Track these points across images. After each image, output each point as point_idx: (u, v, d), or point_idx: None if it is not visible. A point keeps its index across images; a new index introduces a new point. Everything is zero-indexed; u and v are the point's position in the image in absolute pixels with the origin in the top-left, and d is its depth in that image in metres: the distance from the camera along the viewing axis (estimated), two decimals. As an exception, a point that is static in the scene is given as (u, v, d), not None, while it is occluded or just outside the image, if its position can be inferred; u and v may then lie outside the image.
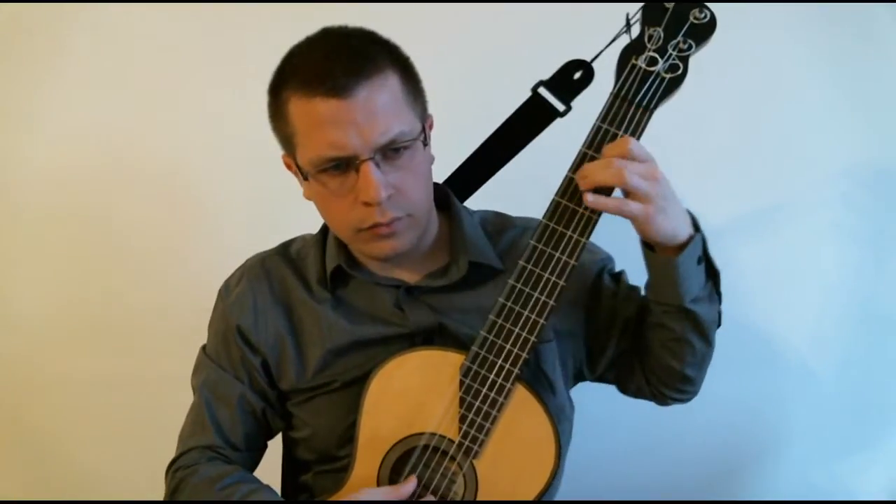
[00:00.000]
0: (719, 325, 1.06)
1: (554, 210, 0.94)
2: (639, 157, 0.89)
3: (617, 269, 1.16)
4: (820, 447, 1.58)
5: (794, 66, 1.48)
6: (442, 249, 1.10)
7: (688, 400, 1.15)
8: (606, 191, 0.91)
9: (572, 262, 0.94)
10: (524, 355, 0.95)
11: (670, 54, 0.93)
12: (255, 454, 1.14)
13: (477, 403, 0.96)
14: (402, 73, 0.98)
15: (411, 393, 0.99)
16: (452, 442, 0.98)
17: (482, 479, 0.98)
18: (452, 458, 0.99)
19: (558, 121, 1.10)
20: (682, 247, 0.94)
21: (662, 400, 1.14)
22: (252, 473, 1.11)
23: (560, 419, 1.03)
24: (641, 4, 0.95)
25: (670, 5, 0.93)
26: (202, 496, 1.03)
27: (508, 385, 0.96)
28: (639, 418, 1.46)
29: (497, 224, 1.14)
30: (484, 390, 0.96)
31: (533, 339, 0.95)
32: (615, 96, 0.93)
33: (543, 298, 0.94)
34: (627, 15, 0.95)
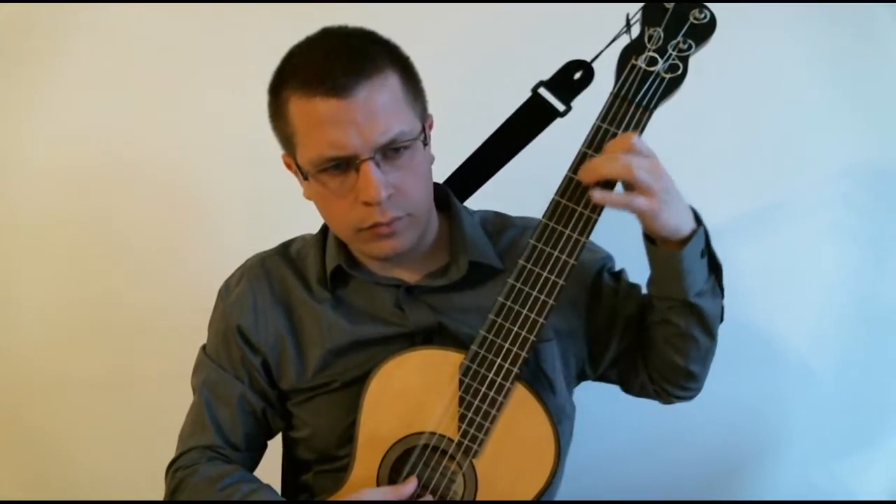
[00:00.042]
0: (722, 319, 1.06)
1: (554, 209, 0.94)
2: (643, 151, 0.89)
3: (617, 268, 1.16)
4: (820, 447, 1.58)
5: (794, 66, 1.48)
6: (442, 249, 1.10)
7: (691, 398, 1.15)
8: (608, 187, 0.91)
9: (572, 261, 0.94)
10: (524, 354, 0.95)
11: (670, 54, 0.93)
12: (255, 454, 1.15)
13: (476, 402, 0.96)
14: (402, 73, 0.98)
15: (411, 392, 0.99)
16: (452, 441, 0.98)
17: (482, 478, 0.98)
18: (452, 458, 0.99)
19: (558, 121, 1.10)
20: (685, 241, 0.94)
21: (666, 398, 1.14)
22: (252, 473, 1.11)
23: (560, 419, 1.03)
24: (641, 5, 0.95)
25: (670, 5, 0.93)
26: (202, 496, 1.04)
27: (508, 384, 0.96)
28: (639, 418, 1.46)
29: (497, 224, 1.14)
30: (483, 389, 0.96)
31: (532, 338, 0.95)
32: (615, 96, 0.93)
33: (543, 298, 0.94)
34: (627, 15, 0.96)
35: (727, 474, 1.61)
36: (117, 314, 1.62)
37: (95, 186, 1.58)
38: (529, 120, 1.11)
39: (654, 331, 1.06)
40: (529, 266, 0.95)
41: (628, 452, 1.59)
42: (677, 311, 1.01)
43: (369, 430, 1.00)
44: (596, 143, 0.93)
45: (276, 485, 1.14)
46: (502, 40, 1.50)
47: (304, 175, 1.00)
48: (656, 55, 0.93)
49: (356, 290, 1.09)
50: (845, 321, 1.53)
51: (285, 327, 1.09)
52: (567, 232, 0.93)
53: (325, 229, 1.12)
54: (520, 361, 0.95)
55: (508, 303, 0.95)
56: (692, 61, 0.93)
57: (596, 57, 1.04)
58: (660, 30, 0.93)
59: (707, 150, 1.48)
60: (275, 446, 1.18)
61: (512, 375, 0.96)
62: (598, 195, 0.90)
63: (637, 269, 1.11)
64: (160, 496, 1.11)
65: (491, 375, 0.96)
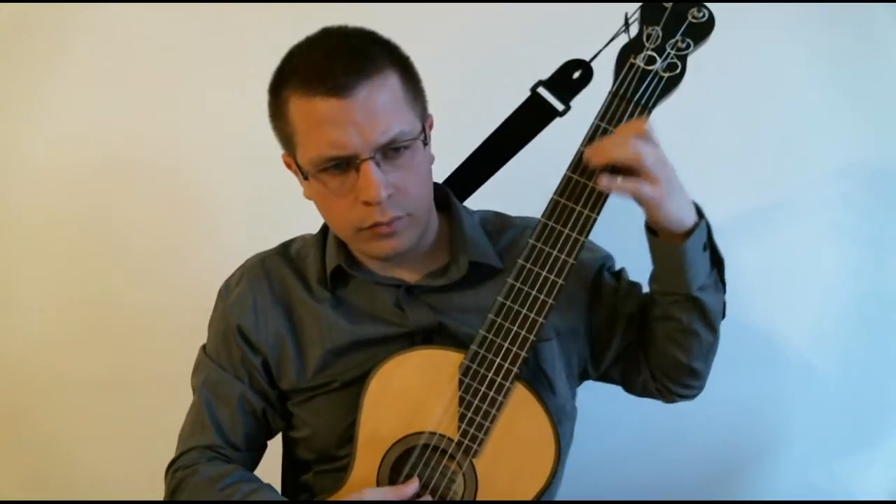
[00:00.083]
0: (724, 315, 1.06)
1: (553, 209, 0.94)
2: (652, 139, 0.89)
3: (616, 267, 1.16)
4: (820, 447, 1.58)
5: (794, 66, 1.48)
6: (442, 249, 1.10)
7: (693, 396, 1.14)
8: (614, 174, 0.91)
9: (571, 260, 0.94)
10: (524, 354, 0.95)
11: (668, 53, 0.93)
12: (255, 454, 1.15)
13: (476, 402, 0.96)
14: (402, 73, 0.98)
15: (411, 392, 0.99)
16: (452, 441, 0.98)
17: (482, 477, 0.98)
18: (452, 457, 0.99)
19: (557, 120, 1.10)
20: (688, 233, 0.94)
21: (668, 397, 1.14)
22: (252, 473, 1.11)
23: (560, 419, 1.02)
24: (640, 4, 0.95)
25: (669, 4, 0.93)
26: (202, 496, 1.04)
27: (508, 384, 0.96)
28: (639, 418, 1.46)
29: (497, 223, 1.14)
30: (483, 389, 0.96)
31: (532, 337, 0.95)
32: (614, 95, 0.93)
33: (542, 297, 0.94)
34: (626, 14, 0.96)
35: (727, 474, 1.61)
36: (117, 314, 1.62)
37: (95, 186, 1.59)
38: (529, 119, 1.11)
39: (656, 327, 1.06)
40: (529, 266, 0.95)
41: (628, 452, 1.59)
42: (680, 305, 1.01)
43: (369, 430, 1.00)
44: (595, 142, 0.93)
45: (276, 485, 1.14)
46: (502, 40, 1.50)
47: (304, 175, 1.00)
48: (655, 54, 0.93)
49: (356, 290, 1.09)
50: (845, 321, 1.53)
51: (285, 327, 1.09)
52: (566, 231, 0.93)
53: (325, 229, 1.12)
54: (520, 361, 0.95)
55: (508, 302, 0.95)
56: (691, 60, 0.93)
57: (595, 56, 1.04)
58: (658, 29, 0.93)
59: (706, 150, 1.48)
60: (275, 446, 1.18)
61: (512, 375, 0.95)
62: (605, 181, 0.89)
63: (637, 269, 1.11)
64: (160, 496, 1.11)
65: (491, 375, 0.96)
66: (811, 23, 1.46)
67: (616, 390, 1.20)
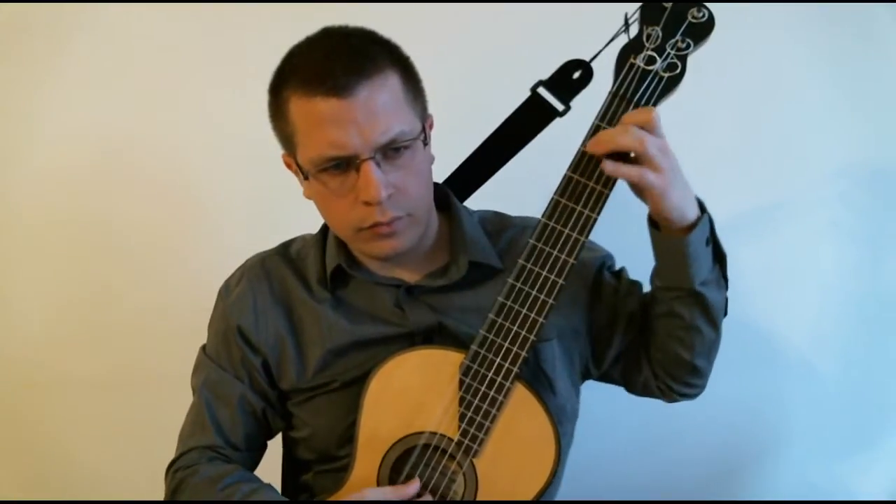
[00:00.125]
0: (726, 313, 1.06)
1: (553, 209, 0.94)
2: (658, 128, 0.89)
3: (617, 267, 1.16)
4: (820, 447, 1.58)
5: (794, 66, 1.48)
6: (442, 249, 1.10)
7: (695, 395, 1.14)
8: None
9: (571, 260, 0.94)
10: (524, 354, 0.95)
11: (668, 53, 0.93)
12: (255, 454, 1.15)
13: (476, 402, 0.96)
14: (403, 73, 0.98)
15: (411, 392, 0.99)
16: (452, 441, 0.98)
17: (482, 477, 0.98)
18: (452, 457, 0.99)
19: (558, 120, 1.10)
20: (690, 227, 0.94)
21: (670, 395, 1.14)
22: (252, 473, 1.11)
23: (560, 419, 1.02)
24: (640, 4, 0.95)
25: (668, 4, 0.93)
26: (203, 496, 1.04)
27: (508, 384, 0.96)
28: (639, 418, 1.47)
29: (497, 223, 1.14)
30: (483, 389, 0.96)
31: (532, 337, 0.95)
32: (614, 95, 0.93)
33: (543, 297, 0.94)
34: (626, 14, 0.96)
35: (727, 474, 1.61)
36: (117, 314, 1.62)
37: (95, 186, 1.59)
38: (529, 120, 1.11)
39: (658, 324, 1.06)
40: (529, 265, 0.95)
41: (628, 452, 1.59)
42: (682, 301, 1.01)
43: (369, 430, 1.00)
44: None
45: (277, 485, 1.14)
46: (502, 40, 1.50)
47: (304, 175, 1.00)
48: (655, 54, 0.93)
49: (356, 290, 1.09)
50: (845, 320, 1.53)
51: (285, 327, 1.09)
52: (566, 231, 0.93)
53: (325, 229, 1.12)
54: (520, 361, 0.95)
55: (508, 302, 0.95)
56: (691, 60, 0.93)
57: (595, 56, 1.04)
58: (658, 29, 0.93)
59: (706, 150, 1.48)
60: (275, 446, 1.18)
61: (512, 375, 0.96)
62: (610, 166, 0.89)
63: (637, 268, 1.11)
64: (160, 496, 1.11)
65: (491, 375, 0.96)
66: (811, 23, 1.46)
67: (616, 390, 1.19)
